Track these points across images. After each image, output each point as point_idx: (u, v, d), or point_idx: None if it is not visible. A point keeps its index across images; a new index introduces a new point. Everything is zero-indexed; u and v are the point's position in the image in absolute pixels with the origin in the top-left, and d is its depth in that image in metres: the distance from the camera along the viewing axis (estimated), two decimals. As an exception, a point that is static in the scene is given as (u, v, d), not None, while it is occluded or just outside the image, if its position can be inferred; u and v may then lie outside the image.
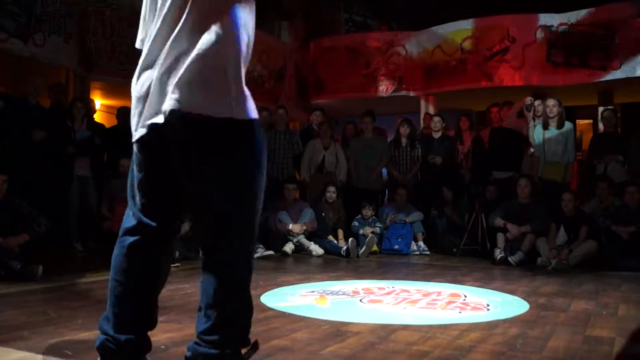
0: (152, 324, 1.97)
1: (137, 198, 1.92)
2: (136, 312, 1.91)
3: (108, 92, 8.48)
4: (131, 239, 1.91)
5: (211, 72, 1.75)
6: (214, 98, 1.75)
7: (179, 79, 1.74)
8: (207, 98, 1.74)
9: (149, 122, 1.81)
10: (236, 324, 1.84)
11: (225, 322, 1.81)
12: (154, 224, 1.90)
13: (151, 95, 1.80)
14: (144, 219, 1.91)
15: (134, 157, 1.93)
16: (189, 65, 1.74)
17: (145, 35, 1.93)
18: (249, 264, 1.86)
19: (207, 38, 1.75)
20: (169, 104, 1.74)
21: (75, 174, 6.21)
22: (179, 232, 2.07)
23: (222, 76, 1.76)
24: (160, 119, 1.77)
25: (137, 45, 1.98)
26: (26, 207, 4.63)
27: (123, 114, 7.05)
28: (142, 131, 1.84)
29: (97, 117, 7.35)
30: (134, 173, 1.94)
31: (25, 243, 4.49)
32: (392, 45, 9.40)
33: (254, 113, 1.82)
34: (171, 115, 1.74)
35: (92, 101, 7.34)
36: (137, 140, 1.88)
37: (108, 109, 8.71)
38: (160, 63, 1.78)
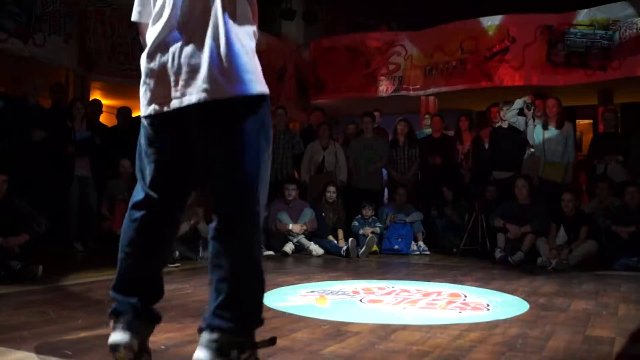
0: (159, 294, 2.07)
1: (147, 171, 1.98)
2: (142, 280, 2.02)
3: (108, 92, 8.47)
4: (139, 212, 1.99)
5: (234, 51, 1.80)
6: (241, 78, 1.80)
7: (207, 64, 1.78)
8: (234, 79, 1.79)
9: (169, 104, 1.86)
10: (248, 299, 1.85)
11: (237, 297, 1.82)
12: (160, 198, 1.97)
13: (171, 75, 1.84)
14: (151, 193, 1.98)
15: (144, 131, 1.98)
16: (212, 47, 1.79)
17: (143, 8, 1.99)
18: (256, 236, 1.87)
19: (223, 17, 1.80)
20: (198, 96, 1.79)
21: (75, 174, 6.21)
22: (184, 208, 2.12)
23: (245, 54, 1.83)
24: (185, 102, 1.82)
25: (134, 18, 2.03)
26: (26, 207, 4.62)
27: (123, 114, 7.06)
28: (157, 108, 1.90)
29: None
30: (142, 147, 2.00)
31: (25, 243, 4.48)
32: (392, 45, 9.41)
33: (267, 87, 1.89)
34: (201, 104, 1.80)
35: (98, 102, 7.32)
36: (150, 116, 1.93)
37: (108, 109, 8.70)
38: (178, 44, 1.83)
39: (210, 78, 1.78)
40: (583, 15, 8.02)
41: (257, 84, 1.84)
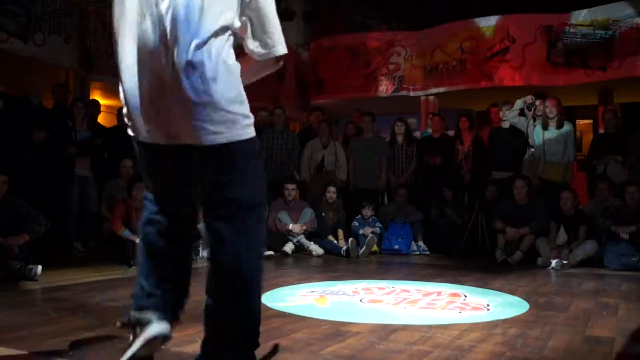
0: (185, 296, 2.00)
1: (151, 188, 1.98)
2: (168, 279, 1.94)
3: (108, 92, 8.47)
4: (148, 228, 1.97)
5: (233, 93, 1.80)
6: (239, 123, 1.81)
7: (207, 108, 1.76)
8: (234, 124, 1.80)
9: (168, 140, 1.83)
10: (243, 325, 1.84)
11: (231, 323, 1.81)
12: (166, 217, 1.95)
13: (165, 110, 1.80)
14: (157, 212, 1.96)
15: (138, 154, 1.96)
16: (210, 88, 1.76)
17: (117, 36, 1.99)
18: (256, 265, 1.87)
19: (214, 60, 1.78)
20: (205, 138, 1.77)
21: (76, 174, 6.21)
22: (195, 226, 2.09)
23: (240, 96, 1.83)
24: (183, 141, 1.80)
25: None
26: (26, 207, 4.62)
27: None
28: (151, 138, 1.87)
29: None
30: (143, 170, 1.98)
31: (25, 243, 4.48)
32: (392, 45, 9.40)
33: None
34: (206, 147, 1.79)
35: (96, 102, 7.33)
36: (146, 145, 1.90)
37: (108, 109, 8.71)
38: (171, 81, 1.79)
39: (219, 129, 1.79)
40: (583, 16, 8.02)
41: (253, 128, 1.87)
